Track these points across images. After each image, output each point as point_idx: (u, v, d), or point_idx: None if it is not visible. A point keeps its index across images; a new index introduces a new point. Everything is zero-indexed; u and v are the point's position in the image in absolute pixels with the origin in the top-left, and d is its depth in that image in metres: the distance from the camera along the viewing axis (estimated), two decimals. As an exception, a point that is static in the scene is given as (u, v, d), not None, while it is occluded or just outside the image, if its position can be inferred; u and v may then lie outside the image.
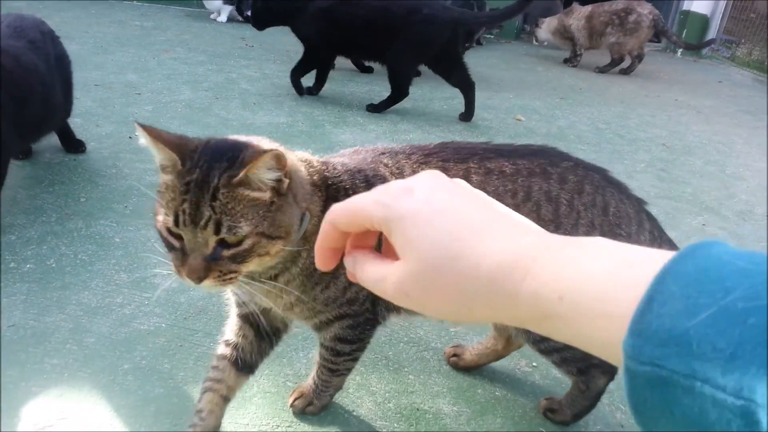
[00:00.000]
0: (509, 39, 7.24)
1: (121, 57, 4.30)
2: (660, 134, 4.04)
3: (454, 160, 1.18)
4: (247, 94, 3.82)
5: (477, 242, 0.44)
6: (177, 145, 0.91)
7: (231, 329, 1.26)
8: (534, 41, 6.97)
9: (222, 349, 1.26)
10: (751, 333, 0.30)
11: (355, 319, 1.19)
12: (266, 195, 0.91)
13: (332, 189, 1.09)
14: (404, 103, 4.01)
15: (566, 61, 6.11)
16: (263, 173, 0.89)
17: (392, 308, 1.24)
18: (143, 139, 0.90)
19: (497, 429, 1.43)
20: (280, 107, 3.64)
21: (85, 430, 1.30)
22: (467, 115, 3.83)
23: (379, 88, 4.33)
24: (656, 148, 3.71)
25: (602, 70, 5.93)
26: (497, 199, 0.52)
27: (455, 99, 4.27)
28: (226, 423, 1.34)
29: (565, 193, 1.18)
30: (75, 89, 3.43)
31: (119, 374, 1.45)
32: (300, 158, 1.10)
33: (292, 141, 3.10)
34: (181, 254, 0.91)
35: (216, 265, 0.90)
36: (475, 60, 5.75)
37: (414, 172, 1.16)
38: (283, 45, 5.39)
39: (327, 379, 1.33)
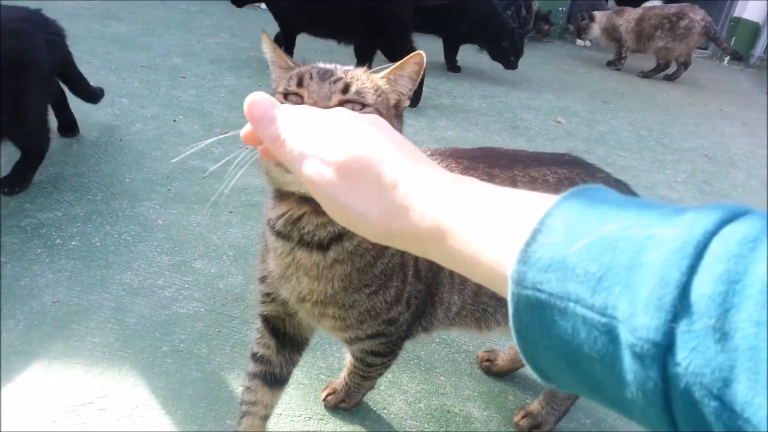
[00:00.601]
0: (552, 39, 7.13)
1: (167, 39, 4.36)
2: (703, 145, 3.95)
3: (499, 166, 1.18)
4: (288, 82, 3.84)
5: (389, 155, 0.48)
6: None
7: (255, 340, 1.20)
8: (577, 41, 6.85)
9: (252, 367, 1.19)
10: (619, 258, 0.33)
11: (389, 338, 1.12)
12: (393, 96, 0.86)
13: None
14: (443, 100, 3.99)
15: (609, 63, 6.00)
16: (406, 73, 0.85)
17: (428, 329, 1.22)
18: (266, 50, 0.88)
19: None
20: (320, 97, 3.65)
21: (124, 408, 1.33)
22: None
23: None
24: (699, 159, 3.63)
25: (646, 75, 5.81)
26: None
27: (495, 97, 4.23)
28: (260, 411, 1.37)
29: None
30: (123, 70, 3.50)
31: (158, 356, 1.49)
32: None
33: (331, 132, 3.11)
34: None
35: None
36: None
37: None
38: (325, 34, 5.40)
39: (358, 383, 1.34)
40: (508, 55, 4.65)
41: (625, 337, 0.31)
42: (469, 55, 5.00)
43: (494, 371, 1.59)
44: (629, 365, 0.31)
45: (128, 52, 3.90)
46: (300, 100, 0.80)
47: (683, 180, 3.26)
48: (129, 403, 1.35)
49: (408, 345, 1.65)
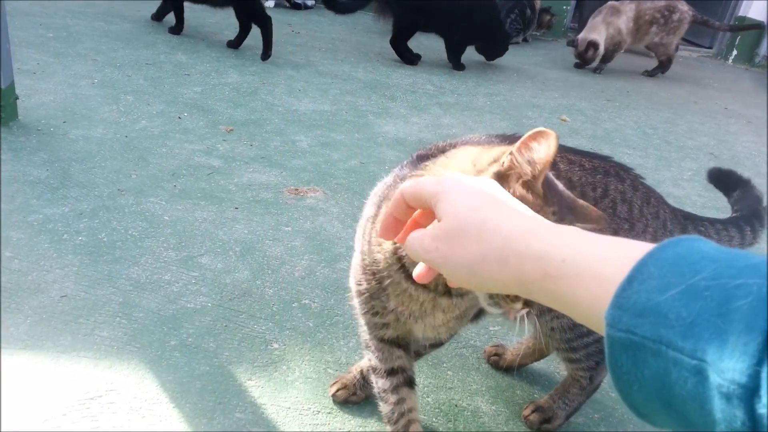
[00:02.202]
0: (556, 37, 7.12)
1: (172, 37, 4.37)
2: (708, 143, 3.94)
3: None
4: (293, 80, 3.85)
5: (499, 213, 0.55)
6: None
7: (382, 359, 1.19)
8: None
9: (388, 382, 1.19)
10: (708, 306, 0.36)
11: None
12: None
13: None
14: (447, 98, 3.99)
15: (577, 65, 5.65)
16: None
17: None
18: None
19: (504, 430, 1.43)
20: (325, 95, 3.66)
21: (133, 401, 1.34)
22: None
23: (422, 80, 4.32)
24: (704, 157, 3.63)
25: (651, 73, 5.79)
26: (580, 189, 0.70)
27: (499, 95, 4.23)
28: (269, 405, 1.37)
29: (637, 199, 1.21)
30: (127, 67, 3.51)
31: (166, 350, 1.49)
32: None
33: (337, 130, 3.12)
34: None
35: None
36: (520, 58, 5.69)
37: None
38: (329, 33, 5.41)
39: None
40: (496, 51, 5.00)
41: (714, 378, 0.34)
42: (473, 53, 5.00)
43: (502, 366, 1.59)
44: (718, 404, 0.34)
45: (133, 49, 3.91)
46: None
47: (688, 177, 3.25)
48: (138, 396, 1.35)
49: (415, 340, 1.66)
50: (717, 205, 2.94)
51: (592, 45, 5.32)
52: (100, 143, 2.53)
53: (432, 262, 0.58)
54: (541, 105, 4.18)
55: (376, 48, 5.11)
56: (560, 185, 0.80)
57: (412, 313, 1.00)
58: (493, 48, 4.98)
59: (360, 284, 1.06)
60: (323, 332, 1.64)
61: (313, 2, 6.42)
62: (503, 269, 0.52)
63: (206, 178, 2.37)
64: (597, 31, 5.35)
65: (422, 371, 1.55)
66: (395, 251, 0.92)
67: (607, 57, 5.49)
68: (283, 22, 5.56)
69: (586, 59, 5.42)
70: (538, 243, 0.50)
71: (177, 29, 4.45)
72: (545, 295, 0.49)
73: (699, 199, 2.96)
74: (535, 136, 0.73)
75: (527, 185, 0.74)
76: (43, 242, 1.83)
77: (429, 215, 0.64)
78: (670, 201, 1.49)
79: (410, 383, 1.22)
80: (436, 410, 1.44)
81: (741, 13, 7.38)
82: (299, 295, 1.78)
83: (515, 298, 0.69)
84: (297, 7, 6.24)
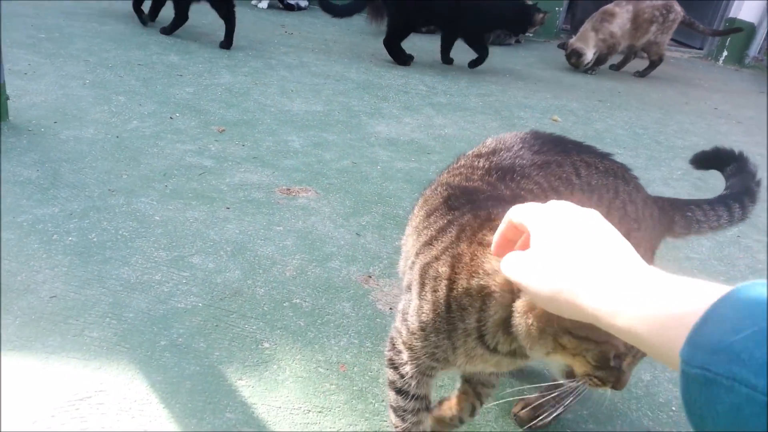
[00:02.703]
0: (548, 38, 7.15)
1: (164, 38, 4.36)
2: (698, 143, 3.97)
3: (558, 152, 1.24)
4: (286, 81, 3.85)
5: (585, 250, 0.59)
6: None
7: (415, 385, 1.15)
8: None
9: (414, 405, 1.18)
10: None
11: None
12: None
13: None
14: (440, 98, 4.00)
15: (575, 66, 5.60)
16: None
17: None
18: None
19: (494, 428, 1.43)
20: (318, 96, 3.66)
21: (123, 402, 1.33)
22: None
23: (415, 81, 4.32)
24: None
25: (642, 74, 5.82)
26: (598, 193, 0.93)
27: (491, 96, 4.24)
28: (259, 405, 1.37)
29: (640, 199, 1.27)
30: (119, 68, 3.50)
31: (156, 350, 1.49)
32: None
33: (329, 130, 3.12)
34: (615, 372, 0.81)
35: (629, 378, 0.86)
36: (513, 59, 5.71)
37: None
38: (322, 34, 5.41)
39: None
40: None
41: None
42: (464, 55, 5.01)
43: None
44: None
45: (125, 50, 3.90)
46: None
47: (678, 177, 3.27)
48: (127, 397, 1.35)
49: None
50: (707, 205, 2.96)
51: (575, 53, 5.41)
52: (91, 144, 2.52)
53: (518, 283, 0.65)
54: (532, 105, 4.19)
55: (369, 49, 5.11)
56: None
57: (474, 366, 1.00)
58: (517, 25, 4.98)
59: (429, 318, 0.98)
60: (314, 331, 1.64)
61: (307, 3, 6.42)
62: (578, 303, 0.56)
63: (198, 178, 2.37)
64: (584, 40, 5.40)
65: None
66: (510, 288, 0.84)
67: (601, 60, 5.53)
68: (276, 23, 5.56)
69: (570, 64, 5.52)
70: (618, 284, 0.54)
71: (152, 17, 4.61)
72: (619, 331, 0.53)
73: (688, 198, 2.98)
74: None
75: None
76: (32, 243, 1.82)
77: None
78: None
79: (429, 407, 1.20)
80: (427, 409, 1.44)
81: (732, 14, 7.43)
82: (290, 294, 1.78)
83: (591, 371, 0.78)
84: (290, 8, 6.24)
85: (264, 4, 6.17)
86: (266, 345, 1.56)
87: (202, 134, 2.80)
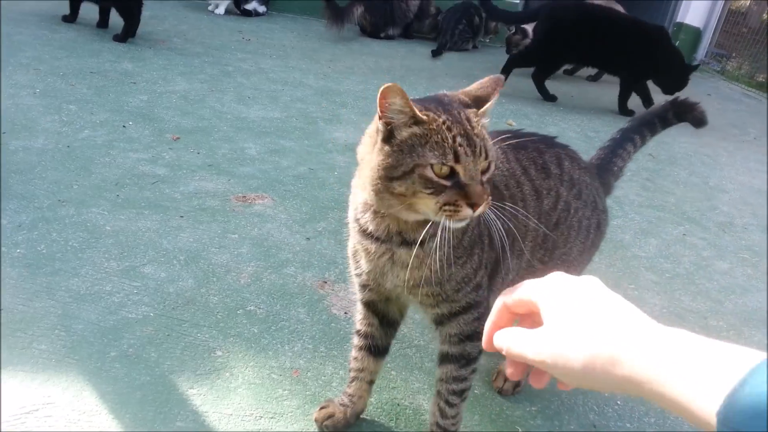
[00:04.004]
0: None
1: (118, 45, 4.30)
2: (648, 145, 4.10)
3: (548, 148, 1.41)
4: (242, 87, 3.84)
5: (606, 315, 0.58)
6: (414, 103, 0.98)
7: (358, 320, 1.36)
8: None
9: (356, 341, 1.37)
10: None
11: (478, 310, 1.19)
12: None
13: None
14: (398, 104, 4.04)
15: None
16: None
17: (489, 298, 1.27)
18: (396, 101, 0.93)
19: (474, 426, 1.47)
20: (275, 102, 3.66)
21: (71, 414, 1.32)
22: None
23: (373, 87, 4.36)
24: (643, 158, 3.77)
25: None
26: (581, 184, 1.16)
27: (448, 101, 4.31)
28: (211, 413, 1.38)
29: (596, 185, 1.51)
30: (71, 76, 3.44)
31: (106, 361, 1.48)
32: None
33: (286, 136, 3.13)
34: (456, 189, 0.94)
35: (483, 190, 0.96)
36: (470, 63, 5.80)
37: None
38: (280, 40, 5.41)
39: (456, 406, 1.29)
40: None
41: None
42: (426, 61, 5.07)
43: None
44: None
45: (77, 58, 3.84)
46: (454, 175, 0.94)
47: (627, 178, 3.37)
48: (76, 408, 1.34)
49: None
50: (654, 204, 3.07)
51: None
52: (41, 154, 2.48)
53: (543, 365, 0.60)
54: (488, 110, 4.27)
55: (328, 55, 5.13)
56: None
57: (378, 272, 1.13)
58: (673, 81, 4.81)
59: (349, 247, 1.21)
60: (268, 338, 1.65)
61: (265, 9, 6.40)
62: (614, 371, 0.54)
63: (151, 187, 2.35)
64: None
65: (366, 373, 1.58)
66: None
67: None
68: (233, 29, 5.53)
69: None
70: (648, 347, 0.53)
71: (71, 17, 4.65)
72: (655, 395, 0.52)
73: (637, 198, 3.08)
74: (385, 94, 0.93)
75: (413, 123, 0.95)
76: (-22, 256, 1.78)
77: (529, 319, 0.67)
78: (610, 201, 1.60)
79: (374, 351, 1.35)
80: (379, 410, 1.47)
81: (679, 19, 7.68)
82: (244, 301, 1.78)
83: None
84: (248, 14, 6.22)
85: (221, 10, 6.13)
86: (219, 353, 1.56)
87: (155, 143, 2.78)
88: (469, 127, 0.95)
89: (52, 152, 2.51)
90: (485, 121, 1.00)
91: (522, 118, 4.22)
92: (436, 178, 0.93)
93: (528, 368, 0.67)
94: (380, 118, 0.97)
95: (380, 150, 0.97)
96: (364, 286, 1.23)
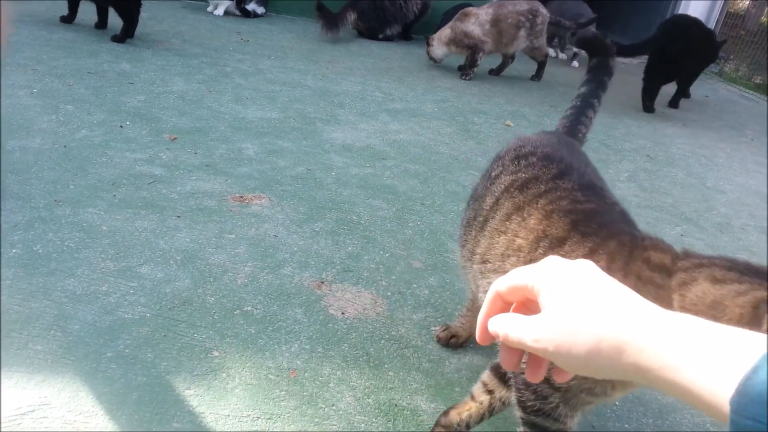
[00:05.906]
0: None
1: (116, 46, 4.29)
2: (645, 145, 4.11)
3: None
4: (240, 88, 3.83)
5: (608, 299, 0.55)
6: None
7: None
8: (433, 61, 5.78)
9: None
10: None
11: None
12: None
13: None
14: (396, 104, 4.04)
15: (461, 68, 5.41)
16: None
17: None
18: None
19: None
20: (273, 103, 3.66)
21: (67, 415, 1.31)
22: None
23: (372, 88, 4.36)
24: (640, 159, 3.78)
25: (537, 77, 5.76)
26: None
27: (447, 102, 4.31)
28: (207, 414, 1.37)
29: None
30: (69, 76, 3.43)
31: (102, 362, 1.47)
32: None
33: (284, 137, 3.12)
34: None
35: None
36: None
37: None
38: (279, 41, 5.40)
39: None
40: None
41: None
42: (425, 62, 5.08)
43: (461, 343, 1.73)
44: None
45: (75, 58, 3.83)
46: None
47: (625, 179, 3.38)
48: (72, 409, 1.33)
49: (357, 342, 1.68)
50: (652, 204, 3.07)
51: (428, 43, 5.34)
52: (38, 154, 2.47)
53: (543, 352, 0.56)
54: (486, 111, 4.27)
55: (326, 56, 5.13)
56: None
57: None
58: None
59: None
60: (265, 338, 1.65)
61: (264, 10, 6.39)
62: (621, 357, 0.52)
63: (148, 187, 2.34)
64: (439, 36, 5.33)
65: (364, 373, 1.58)
66: None
67: (471, 61, 5.30)
68: (231, 30, 5.52)
69: (427, 51, 5.43)
70: (655, 331, 0.51)
71: (69, 18, 4.64)
72: (664, 383, 0.50)
73: (635, 199, 3.08)
74: None
75: None
76: (-26, 256, 1.78)
77: (522, 307, 0.64)
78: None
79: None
80: (377, 411, 1.47)
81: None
82: (241, 302, 1.78)
83: None
84: (247, 14, 6.21)
85: (220, 11, 6.12)
86: (216, 353, 1.56)
87: (153, 143, 2.77)
88: None
89: (48, 152, 2.50)
90: None
91: (520, 119, 4.22)
92: None
93: (522, 356, 0.63)
94: None
95: None
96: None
